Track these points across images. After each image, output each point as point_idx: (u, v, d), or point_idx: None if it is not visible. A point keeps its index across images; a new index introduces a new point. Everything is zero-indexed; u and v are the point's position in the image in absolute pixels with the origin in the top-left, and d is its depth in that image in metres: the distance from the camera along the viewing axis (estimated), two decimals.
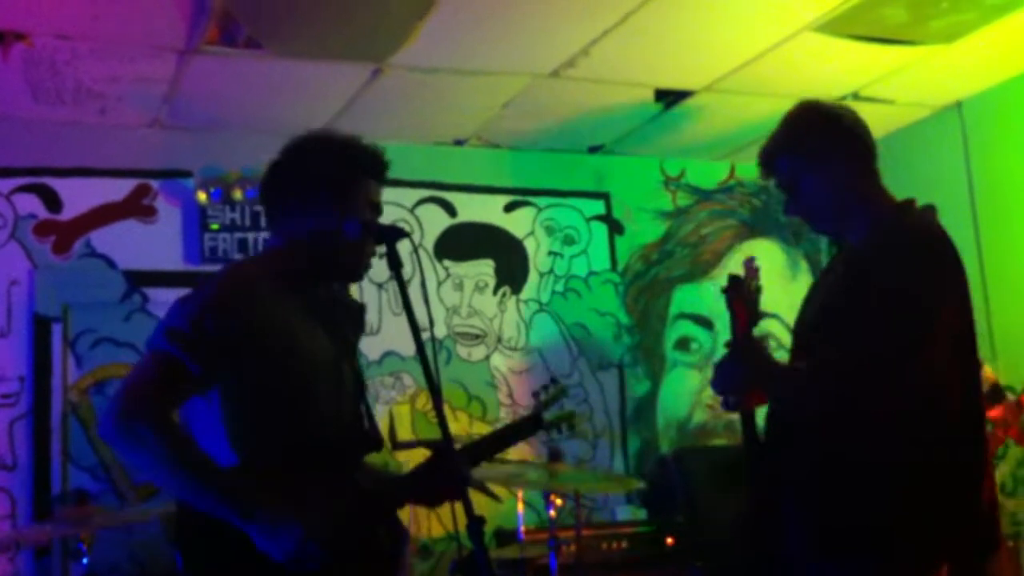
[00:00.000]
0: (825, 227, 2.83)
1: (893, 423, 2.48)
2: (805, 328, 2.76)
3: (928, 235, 2.60)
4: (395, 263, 2.45)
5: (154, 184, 5.18)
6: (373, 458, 2.67)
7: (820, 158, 2.70)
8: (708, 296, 6.08)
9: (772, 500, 2.63)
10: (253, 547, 2.26)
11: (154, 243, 5.13)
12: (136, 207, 5.14)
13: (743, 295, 2.65)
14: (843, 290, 2.66)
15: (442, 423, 2.36)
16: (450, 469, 2.47)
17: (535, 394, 3.29)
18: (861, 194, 2.70)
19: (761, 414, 2.73)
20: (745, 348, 2.60)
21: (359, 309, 2.81)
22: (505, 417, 5.57)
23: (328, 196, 2.55)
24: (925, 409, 2.47)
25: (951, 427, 2.50)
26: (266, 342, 2.39)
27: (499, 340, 5.69)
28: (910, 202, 2.72)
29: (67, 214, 5.03)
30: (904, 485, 2.47)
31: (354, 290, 5.32)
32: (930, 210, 2.75)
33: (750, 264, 2.79)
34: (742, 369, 2.57)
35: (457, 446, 2.77)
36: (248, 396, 2.39)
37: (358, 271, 2.65)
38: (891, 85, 5.25)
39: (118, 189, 5.12)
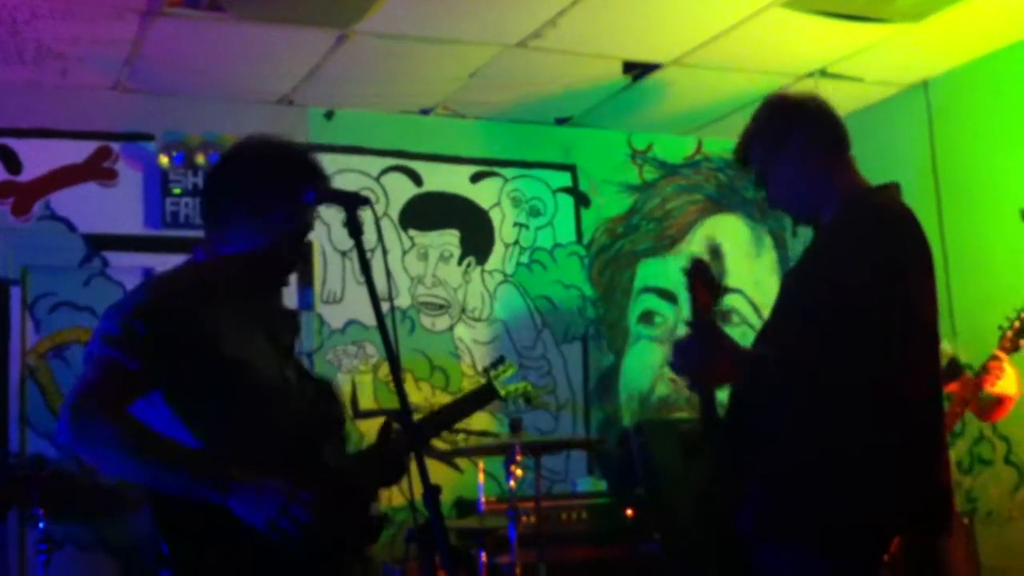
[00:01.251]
0: (800, 215, 2.83)
1: (853, 405, 2.49)
2: (779, 309, 2.77)
3: (893, 215, 2.61)
4: (355, 230, 2.42)
5: (115, 147, 5.12)
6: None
7: (782, 146, 2.72)
8: (673, 270, 6.09)
9: (733, 480, 2.64)
10: (236, 524, 2.26)
11: (115, 206, 5.07)
12: (97, 170, 5.08)
13: (705, 278, 2.64)
14: (809, 270, 2.67)
15: (400, 394, 2.35)
16: (395, 450, 2.55)
17: (486, 370, 3.38)
18: (829, 179, 2.71)
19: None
20: (706, 331, 2.59)
21: (293, 314, 2.83)
22: (468, 387, 5.56)
23: (265, 205, 2.51)
24: (886, 390, 2.47)
25: (910, 408, 2.51)
26: (200, 344, 2.39)
27: (463, 311, 5.69)
28: (883, 186, 2.73)
29: (27, 175, 4.96)
30: (861, 469, 2.48)
31: (317, 258, 5.31)
32: (893, 187, 2.76)
33: (716, 248, 2.81)
34: (702, 351, 2.56)
35: (415, 417, 2.80)
36: (192, 397, 2.39)
37: (293, 269, 2.65)
38: (858, 63, 5.27)
39: (79, 151, 5.06)
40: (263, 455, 2.39)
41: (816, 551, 2.49)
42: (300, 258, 2.63)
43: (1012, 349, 4.10)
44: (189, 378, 2.38)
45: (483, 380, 3.60)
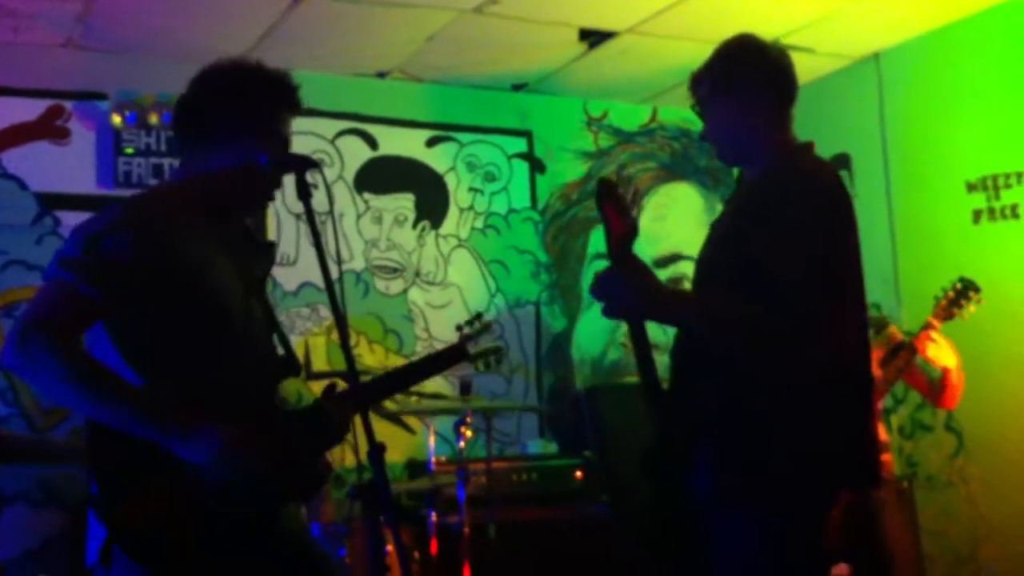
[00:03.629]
0: (724, 156, 2.86)
1: (779, 365, 2.54)
2: (702, 262, 2.82)
3: (816, 179, 2.66)
4: (304, 193, 2.44)
5: (68, 105, 5.07)
6: (288, 389, 2.66)
7: (727, 85, 2.74)
8: None
9: (679, 439, 2.68)
10: (171, 464, 2.25)
11: (67, 165, 5.03)
12: (49, 128, 5.04)
13: (615, 199, 2.64)
14: (733, 228, 2.71)
15: (348, 356, 2.37)
16: (334, 413, 2.51)
17: (459, 327, 3.29)
18: (762, 130, 2.73)
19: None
20: (625, 263, 2.60)
21: (269, 245, 2.81)
22: (421, 350, 5.60)
23: (241, 130, 2.52)
24: (810, 351, 2.52)
25: (837, 367, 2.57)
26: (167, 268, 2.36)
27: (417, 274, 5.72)
28: (807, 145, 2.78)
29: None
30: (794, 426, 2.54)
31: (271, 220, 5.31)
32: (811, 146, 2.80)
33: (622, 173, 2.80)
34: (620, 284, 2.58)
35: (370, 377, 2.81)
36: (148, 322, 2.36)
37: (264, 203, 2.65)
38: (811, 34, 5.32)
39: (31, 109, 5.01)
40: (213, 388, 2.37)
41: (766, 511, 2.54)
42: (276, 177, 2.60)
43: (946, 317, 4.22)
44: (149, 303, 2.34)
45: (446, 342, 3.43)
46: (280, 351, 2.64)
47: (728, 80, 2.74)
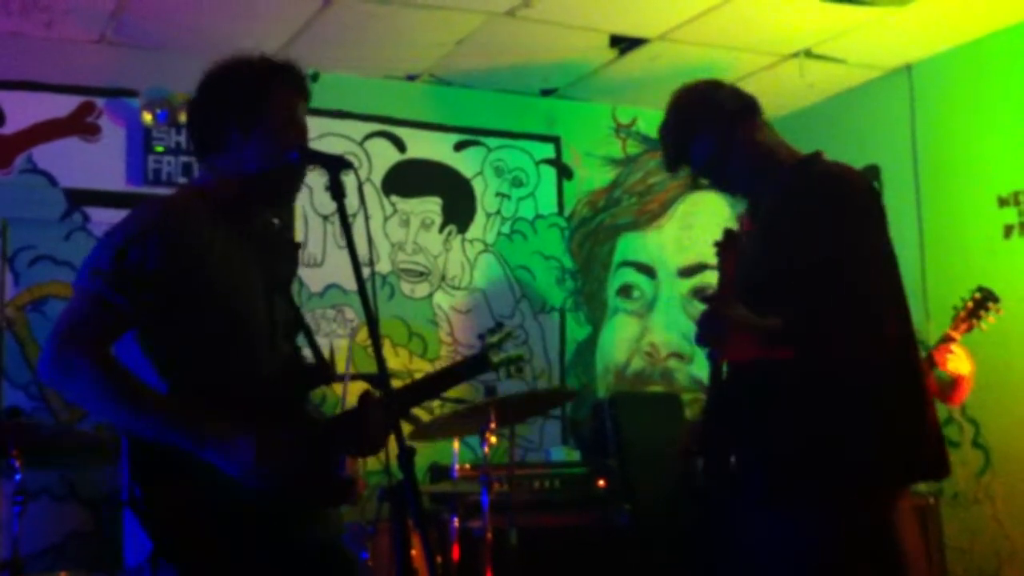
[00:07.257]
0: (737, 184, 2.87)
1: (843, 364, 2.55)
2: (747, 289, 2.81)
3: (840, 176, 2.69)
4: (338, 193, 2.43)
5: (99, 102, 5.10)
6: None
7: (704, 127, 2.80)
8: (652, 245, 6.14)
9: (722, 447, 2.68)
10: (209, 468, 2.28)
11: (97, 162, 5.06)
12: (80, 124, 5.07)
13: (736, 249, 2.67)
14: (771, 244, 2.71)
15: (379, 357, 2.36)
16: (374, 420, 2.49)
17: (482, 336, 3.33)
18: (763, 150, 2.78)
19: None
20: (721, 305, 2.61)
21: (294, 246, 2.80)
22: (445, 355, 5.60)
23: (252, 125, 2.49)
24: (868, 343, 2.54)
25: (891, 359, 2.57)
26: (192, 273, 2.37)
27: (443, 278, 5.71)
28: (816, 153, 2.80)
29: (9, 128, 4.95)
30: (853, 425, 2.54)
31: (298, 221, 5.32)
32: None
33: (743, 220, 2.85)
34: (716, 326, 2.59)
35: (400, 382, 2.81)
36: (175, 329, 2.38)
37: (289, 197, 2.64)
38: (843, 44, 5.29)
39: (62, 105, 5.04)
40: (239, 396, 2.38)
41: (817, 509, 2.54)
42: (300, 172, 2.57)
43: (966, 329, 4.15)
44: (175, 309, 2.35)
45: (469, 348, 3.49)
46: (305, 351, 2.64)
47: (702, 124, 2.81)
